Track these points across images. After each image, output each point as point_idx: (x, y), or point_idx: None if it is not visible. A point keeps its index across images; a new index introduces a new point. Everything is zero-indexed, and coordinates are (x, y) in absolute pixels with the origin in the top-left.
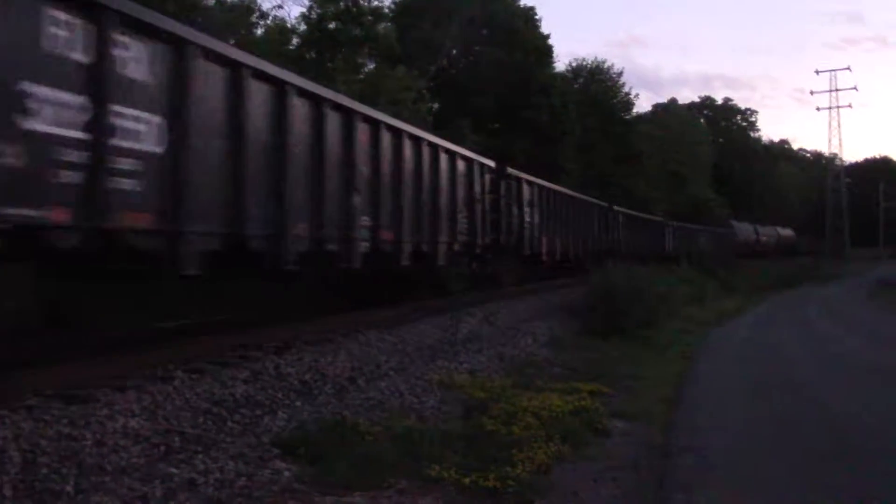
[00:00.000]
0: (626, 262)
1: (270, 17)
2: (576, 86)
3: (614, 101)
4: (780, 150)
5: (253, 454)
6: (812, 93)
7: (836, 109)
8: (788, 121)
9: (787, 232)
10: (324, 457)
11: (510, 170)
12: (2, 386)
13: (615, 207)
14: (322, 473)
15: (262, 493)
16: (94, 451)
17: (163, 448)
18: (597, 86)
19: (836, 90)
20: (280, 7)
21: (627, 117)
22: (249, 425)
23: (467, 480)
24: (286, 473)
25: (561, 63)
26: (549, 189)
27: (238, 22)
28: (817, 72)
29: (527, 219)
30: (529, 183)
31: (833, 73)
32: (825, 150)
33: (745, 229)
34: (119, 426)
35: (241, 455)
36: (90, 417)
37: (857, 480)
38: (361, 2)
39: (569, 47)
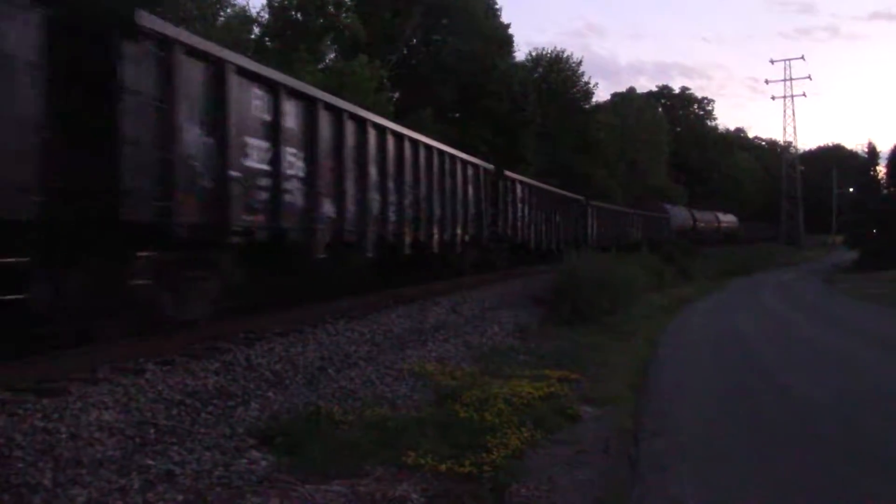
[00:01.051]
0: (595, 251)
1: (230, 7)
2: (535, 75)
3: (573, 90)
4: (736, 139)
5: (229, 444)
6: (767, 82)
7: (790, 98)
8: (744, 109)
9: (728, 218)
10: (300, 446)
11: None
12: None
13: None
14: (299, 462)
15: (240, 483)
16: (69, 445)
17: (138, 440)
18: (556, 75)
19: (790, 79)
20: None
21: (587, 106)
22: (223, 416)
23: (443, 467)
24: (263, 463)
25: (521, 53)
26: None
27: (206, 12)
28: (772, 61)
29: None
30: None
31: (787, 62)
32: (780, 139)
33: (680, 214)
34: (93, 419)
35: (217, 445)
36: (64, 411)
37: (819, 457)
38: None
39: (527, 37)
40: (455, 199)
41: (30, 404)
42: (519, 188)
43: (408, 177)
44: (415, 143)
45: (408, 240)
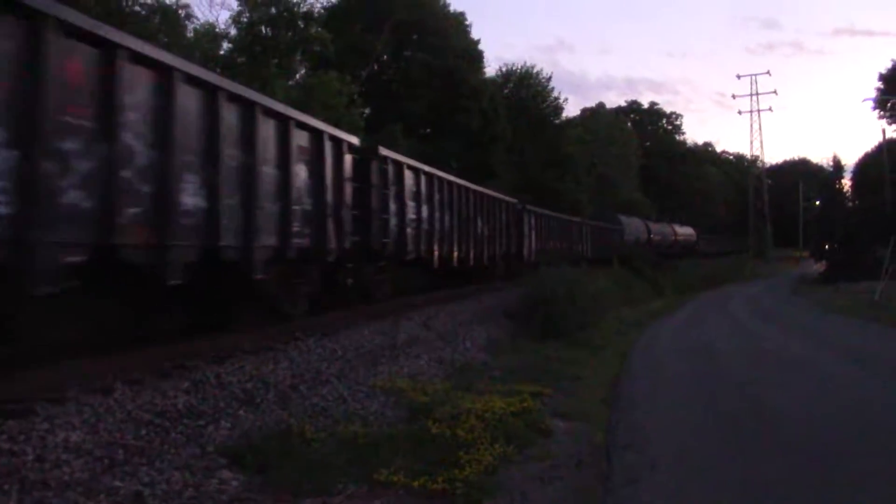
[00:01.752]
0: (541, 264)
1: (199, 22)
2: (506, 91)
3: (543, 105)
4: (705, 153)
5: (199, 464)
6: (734, 97)
7: (756, 113)
8: (711, 124)
9: (685, 231)
10: (271, 464)
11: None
12: None
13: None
14: (270, 481)
15: (210, 503)
16: (35, 467)
17: (106, 461)
18: (526, 91)
19: (757, 94)
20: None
21: (557, 122)
22: (193, 436)
23: (416, 483)
24: (234, 483)
25: (491, 68)
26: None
27: (168, 25)
28: (738, 76)
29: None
30: (415, 170)
31: (753, 77)
32: (747, 153)
33: (634, 226)
34: (60, 440)
35: (187, 466)
36: (30, 432)
37: (790, 468)
38: (294, 7)
39: (497, 52)
40: (261, 183)
41: None
42: (409, 177)
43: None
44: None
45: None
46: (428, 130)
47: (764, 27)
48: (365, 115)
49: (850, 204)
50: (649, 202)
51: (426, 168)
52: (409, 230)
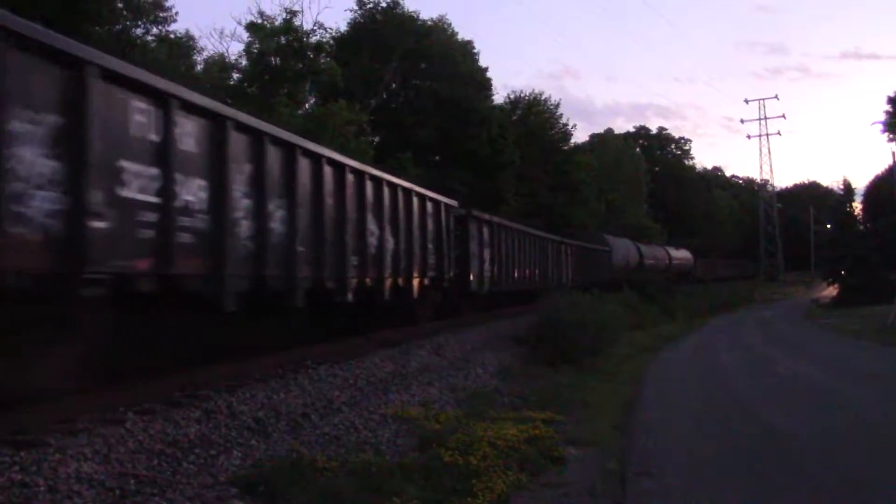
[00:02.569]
0: (572, 290)
1: (207, 53)
2: (514, 117)
3: (552, 131)
4: (714, 178)
5: (210, 494)
6: (742, 121)
7: (765, 137)
8: (720, 148)
9: (681, 254)
10: (282, 494)
11: (475, 212)
12: None
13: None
14: None
15: None
16: (47, 498)
17: (118, 492)
18: (534, 117)
19: (765, 118)
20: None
21: (565, 147)
22: (205, 465)
23: None
24: None
25: (499, 96)
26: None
27: (176, 57)
28: (746, 101)
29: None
30: (489, 223)
31: (762, 101)
32: (757, 177)
33: (623, 248)
34: (72, 471)
35: (199, 496)
36: (42, 463)
37: (805, 495)
38: (303, 38)
39: (504, 80)
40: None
41: (7, 457)
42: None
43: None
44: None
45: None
46: (437, 158)
47: (770, 52)
48: (374, 144)
49: (862, 227)
50: (659, 227)
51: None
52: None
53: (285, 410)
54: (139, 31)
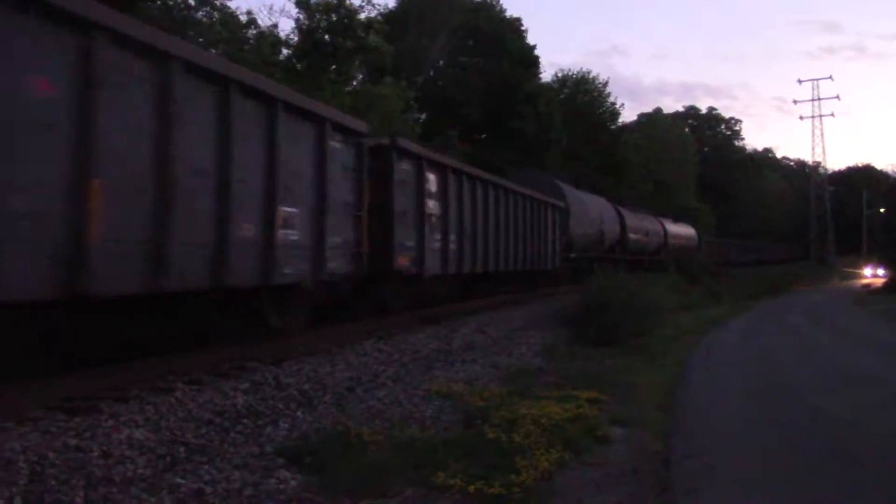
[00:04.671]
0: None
1: (258, 30)
2: (561, 96)
3: (600, 110)
4: (764, 159)
5: (258, 464)
6: (795, 102)
7: (818, 118)
8: (771, 129)
9: (681, 230)
10: (328, 466)
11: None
12: (7, 398)
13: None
14: (328, 482)
15: (270, 503)
16: (101, 463)
17: (168, 458)
18: (582, 96)
19: (819, 99)
20: (275, 28)
21: (613, 127)
22: (252, 435)
23: (472, 488)
24: (292, 482)
25: (547, 74)
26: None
27: (230, 34)
28: (800, 81)
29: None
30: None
31: (815, 82)
32: (808, 159)
33: (592, 209)
34: (124, 437)
35: (246, 465)
36: (95, 429)
37: (856, 480)
38: (353, 14)
39: (551, 58)
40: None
41: (62, 422)
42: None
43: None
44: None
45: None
46: (483, 136)
47: (824, 30)
48: (421, 121)
49: None
50: (707, 209)
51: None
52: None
53: (331, 384)
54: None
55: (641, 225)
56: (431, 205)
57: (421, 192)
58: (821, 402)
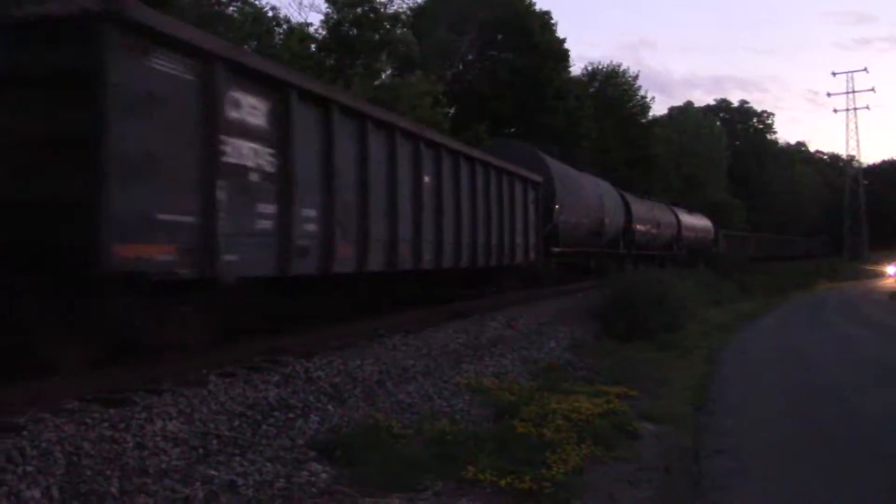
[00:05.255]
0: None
1: (288, 24)
2: (591, 90)
3: (630, 104)
4: (797, 153)
5: (289, 456)
6: (829, 95)
7: (853, 111)
8: (804, 123)
9: (695, 221)
10: (359, 459)
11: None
12: (43, 390)
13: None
14: (359, 475)
15: (301, 495)
16: (135, 454)
17: (201, 450)
18: (612, 89)
19: (853, 92)
20: (308, 25)
21: (643, 121)
22: (284, 428)
23: (503, 482)
24: (323, 475)
25: (576, 67)
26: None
27: (259, 30)
28: (834, 73)
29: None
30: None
31: (850, 74)
32: (842, 152)
33: (589, 191)
34: (158, 429)
35: (278, 457)
36: (130, 421)
37: (892, 481)
38: (379, 8)
39: (580, 51)
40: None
41: (97, 413)
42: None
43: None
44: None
45: None
46: (513, 130)
47: (858, 21)
48: (450, 115)
49: None
50: (739, 203)
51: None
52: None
53: (361, 377)
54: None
55: (651, 215)
56: (247, 150)
57: (215, 125)
58: (856, 399)
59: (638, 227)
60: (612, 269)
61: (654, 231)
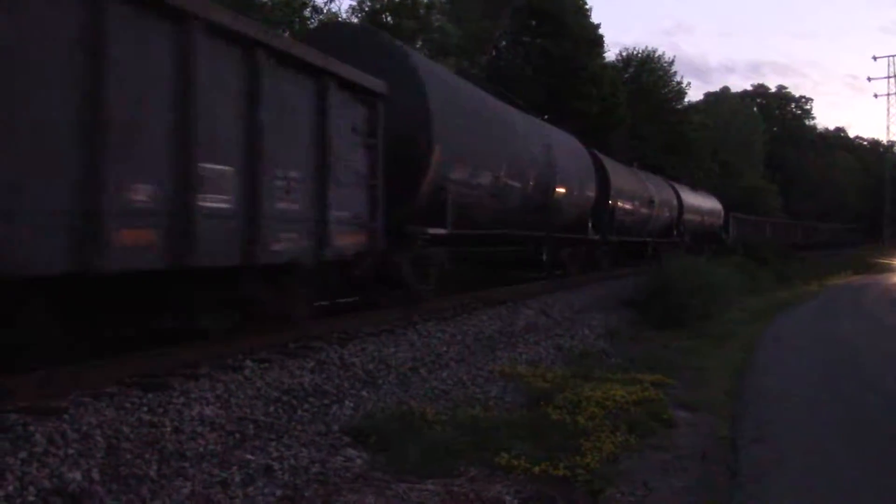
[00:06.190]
0: None
1: (324, 12)
2: (626, 76)
3: (665, 90)
4: (836, 139)
5: (324, 442)
6: (869, 79)
7: (894, 96)
8: (843, 108)
9: (700, 201)
10: (393, 445)
11: None
12: (83, 374)
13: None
14: (393, 461)
15: (336, 480)
16: (173, 438)
17: (238, 435)
18: (647, 75)
19: (895, 76)
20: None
21: (679, 107)
22: (319, 414)
23: (537, 469)
24: (358, 461)
25: (611, 53)
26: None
27: (292, 15)
28: (875, 58)
29: None
30: None
31: (891, 58)
32: (883, 138)
33: (559, 154)
34: (195, 413)
35: (314, 442)
36: (168, 405)
37: None
38: None
39: (614, 36)
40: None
41: (136, 398)
42: None
43: None
44: None
45: None
46: (546, 117)
47: None
48: None
49: None
50: (776, 188)
51: None
52: None
53: (395, 364)
54: None
55: (640, 189)
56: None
57: None
58: None
59: (620, 205)
60: (569, 263)
61: (643, 211)
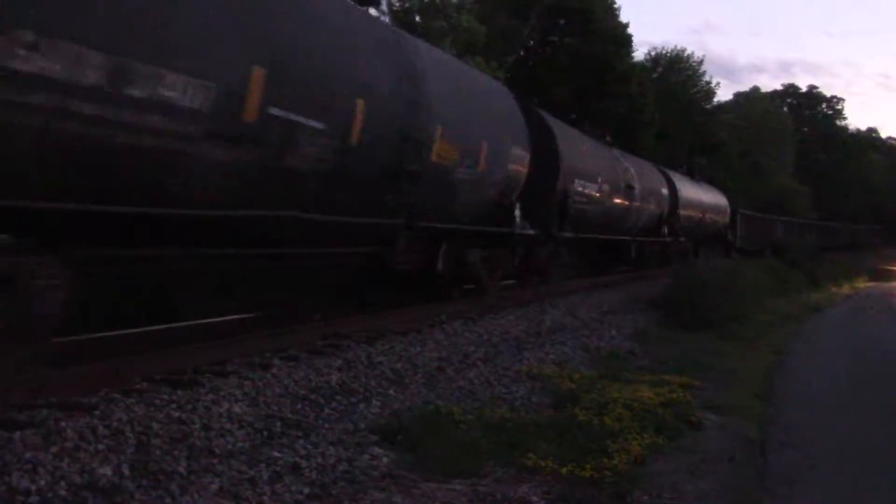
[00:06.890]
0: None
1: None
2: (654, 75)
3: (694, 90)
4: (868, 139)
5: (351, 440)
6: None
7: None
8: (875, 108)
9: (702, 194)
10: (420, 444)
11: None
12: (114, 370)
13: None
14: (420, 460)
15: (363, 478)
16: (202, 435)
17: (265, 433)
18: (676, 75)
19: None
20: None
21: (708, 107)
22: (346, 412)
23: (564, 470)
24: (385, 459)
25: (639, 52)
26: None
27: None
28: None
29: None
30: None
31: None
32: None
33: (508, 127)
34: (224, 411)
35: (341, 441)
36: (196, 402)
37: None
38: None
39: (643, 35)
40: None
41: (165, 395)
42: None
43: None
44: None
45: None
46: (574, 116)
47: None
48: None
49: None
50: (806, 189)
51: None
52: None
53: (422, 363)
54: None
55: (616, 172)
56: None
57: None
58: None
59: (579, 188)
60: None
61: (621, 204)
